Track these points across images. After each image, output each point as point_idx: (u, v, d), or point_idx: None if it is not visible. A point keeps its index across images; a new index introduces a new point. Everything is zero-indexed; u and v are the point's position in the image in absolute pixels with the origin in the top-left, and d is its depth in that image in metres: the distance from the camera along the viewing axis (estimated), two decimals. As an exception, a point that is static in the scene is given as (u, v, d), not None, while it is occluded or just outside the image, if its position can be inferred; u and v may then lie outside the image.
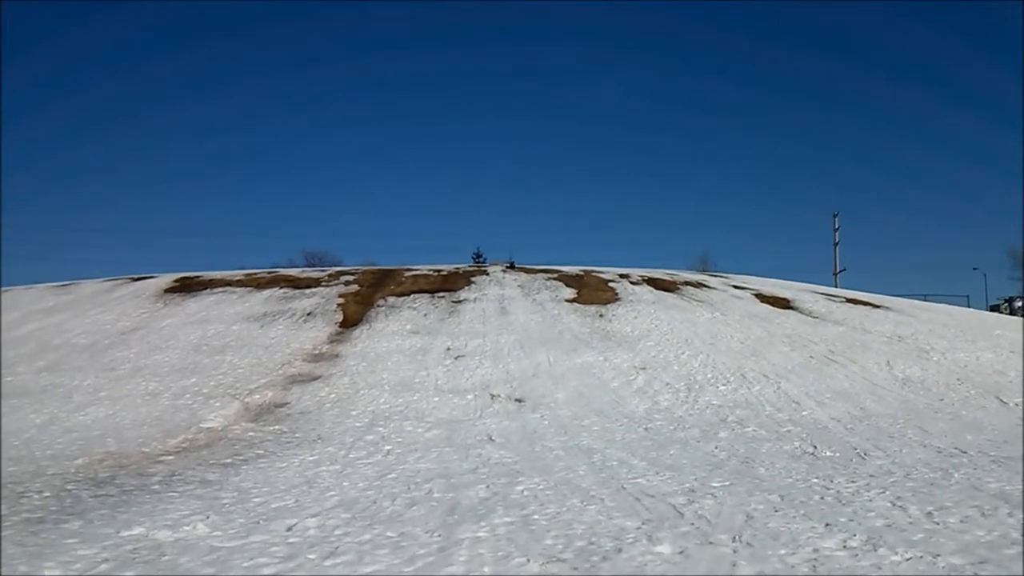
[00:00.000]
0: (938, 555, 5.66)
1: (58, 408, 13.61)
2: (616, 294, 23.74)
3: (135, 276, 28.44)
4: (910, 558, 5.61)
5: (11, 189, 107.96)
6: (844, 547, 5.94)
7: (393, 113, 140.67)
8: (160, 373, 16.16)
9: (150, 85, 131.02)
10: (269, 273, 27.95)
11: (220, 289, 24.76)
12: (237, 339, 18.97)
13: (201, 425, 12.52)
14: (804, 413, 13.34)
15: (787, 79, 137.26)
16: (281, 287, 24.81)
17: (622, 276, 26.64)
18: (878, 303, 25.22)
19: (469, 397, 14.52)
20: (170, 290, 25.00)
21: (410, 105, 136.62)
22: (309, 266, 42.06)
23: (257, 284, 25.35)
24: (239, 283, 25.56)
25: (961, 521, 6.66)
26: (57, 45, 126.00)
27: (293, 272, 28.79)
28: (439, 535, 6.44)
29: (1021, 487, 8.03)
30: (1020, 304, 50.42)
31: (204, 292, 24.46)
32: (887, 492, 7.88)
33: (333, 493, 8.13)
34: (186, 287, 25.30)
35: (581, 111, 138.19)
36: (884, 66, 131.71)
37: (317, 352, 18.00)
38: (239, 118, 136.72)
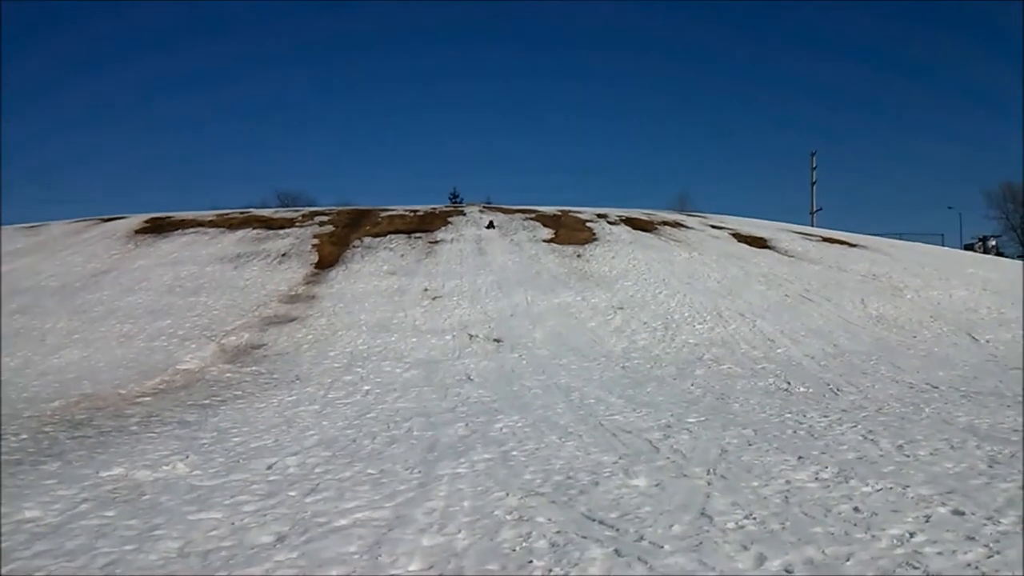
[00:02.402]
0: (907, 486, 5.79)
1: (32, 351, 13.47)
2: (594, 234, 23.72)
3: (105, 217, 27.95)
4: (880, 489, 5.74)
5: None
6: (816, 479, 6.06)
7: (368, 51, 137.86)
8: (134, 315, 16.00)
9: (120, 31, 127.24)
10: (242, 213, 27.57)
11: (192, 230, 24.42)
12: (211, 280, 18.79)
13: (178, 367, 12.46)
14: (779, 351, 13.51)
15: (761, 21, 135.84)
16: (254, 228, 24.50)
17: (600, 216, 26.59)
18: (854, 242, 25.42)
19: (447, 337, 14.54)
20: (141, 231, 24.61)
21: (386, 42, 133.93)
22: (282, 206, 41.55)
23: (230, 225, 25.02)
24: (211, 224, 25.21)
25: (931, 454, 6.81)
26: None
27: (266, 212, 28.43)
28: (419, 472, 6.50)
29: (989, 420, 8.23)
30: (994, 242, 51.19)
31: (176, 233, 24.11)
32: (859, 426, 8.03)
33: (313, 432, 8.16)
34: (157, 228, 24.91)
35: (558, 56, 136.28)
36: (857, 8, 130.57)
37: (293, 293, 17.89)
38: (210, 57, 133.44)
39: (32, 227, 27.04)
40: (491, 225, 24.33)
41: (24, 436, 8.03)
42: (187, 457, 7.04)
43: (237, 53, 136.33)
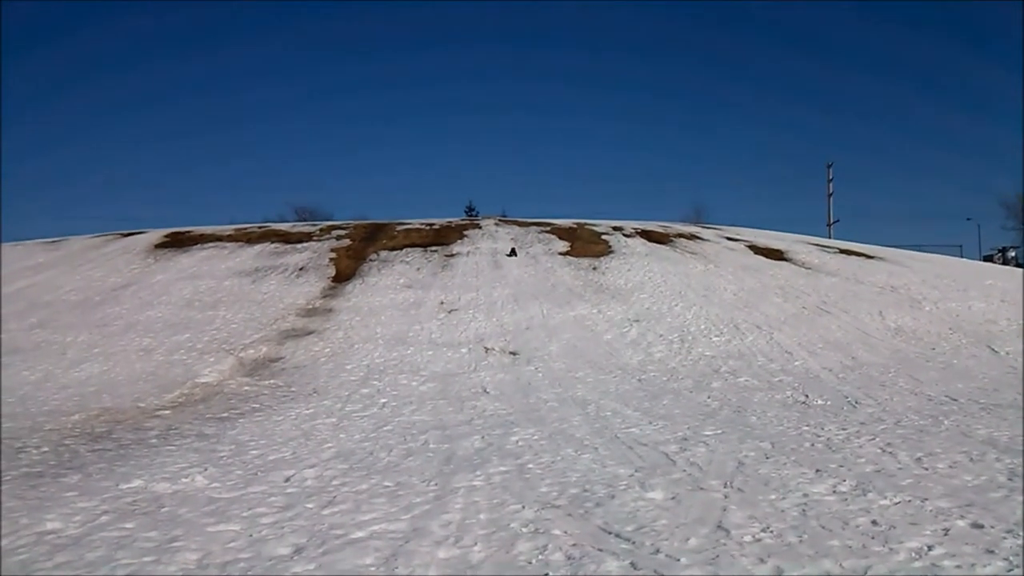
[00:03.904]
0: (926, 499, 5.75)
1: (52, 365, 13.62)
2: (609, 246, 23.72)
3: (125, 232, 28.26)
4: (899, 502, 5.70)
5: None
6: (834, 492, 6.02)
7: (383, 66, 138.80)
8: (153, 329, 16.15)
9: (132, 40, 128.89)
10: (260, 228, 27.80)
11: (211, 244, 24.65)
12: (229, 294, 18.94)
13: (196, 380, 12.56)
14: (796, 363, 13.44)
15: (778, 30, 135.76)
16: (272, 242, 24.70)
17: (615, 228, 26.59)
18: (871, 254, 25.26)
19: (463, 350, 14.57)
20: (161, 245, 24.87)
21: (399, 58, 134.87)
22: (300, 220, 41.80)
23: (248, 239, 25.22)
24: (230, 238, 25.43)
25: (950, 466, 6.75)
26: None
27: (284, 227, 28.65)
28: (435, 484, 6.51)
29: (1009, 433, 8.14)
30: (1013, 254, 50.63)
31: (195, 247, 24.34)
32: (877, 439, 7.97)
33: (330, 445, 8.20)
34: (177, 242, 25.16)
35: (573, 66, 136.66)
36: (874, 17, 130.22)
37: (310, 307, 18.00)
38: (225, 71, 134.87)
39: (52, 242, 27.37)
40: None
41: (45, 449, 8.12)
42: (206, 470, 7.10)
43: (247, 60, 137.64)
